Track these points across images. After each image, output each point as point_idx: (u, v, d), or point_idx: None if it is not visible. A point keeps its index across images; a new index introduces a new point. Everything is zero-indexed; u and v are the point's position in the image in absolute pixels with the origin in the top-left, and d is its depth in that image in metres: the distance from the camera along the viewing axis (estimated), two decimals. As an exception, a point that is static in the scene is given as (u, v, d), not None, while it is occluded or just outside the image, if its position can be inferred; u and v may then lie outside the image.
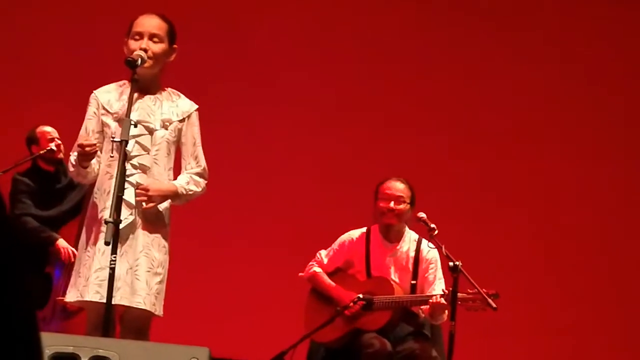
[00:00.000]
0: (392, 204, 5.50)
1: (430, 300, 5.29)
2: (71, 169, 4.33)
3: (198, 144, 4.39)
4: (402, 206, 5.53)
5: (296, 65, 7.68)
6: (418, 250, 5.56)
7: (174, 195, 4.29)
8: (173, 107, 4.35)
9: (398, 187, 5.55)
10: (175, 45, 4.37)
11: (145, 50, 4.23)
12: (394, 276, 5.54)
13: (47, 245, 5.99)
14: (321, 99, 7.67)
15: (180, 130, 4.35)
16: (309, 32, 7.72)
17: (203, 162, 4.39)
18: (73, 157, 4.28)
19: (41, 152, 6.16)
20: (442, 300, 5.23)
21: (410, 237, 5.61)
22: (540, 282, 7.46)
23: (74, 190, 6.19)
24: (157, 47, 4.28)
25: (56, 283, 6.05)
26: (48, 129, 6.22)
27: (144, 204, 4.17)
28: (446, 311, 5.30)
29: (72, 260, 5.80)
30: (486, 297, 5.17)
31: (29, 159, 6.20)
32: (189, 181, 4.33)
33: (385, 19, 7.75)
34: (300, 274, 5.70)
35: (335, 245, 5.67)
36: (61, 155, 6.14)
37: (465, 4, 7.81)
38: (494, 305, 5.16)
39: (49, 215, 6.12)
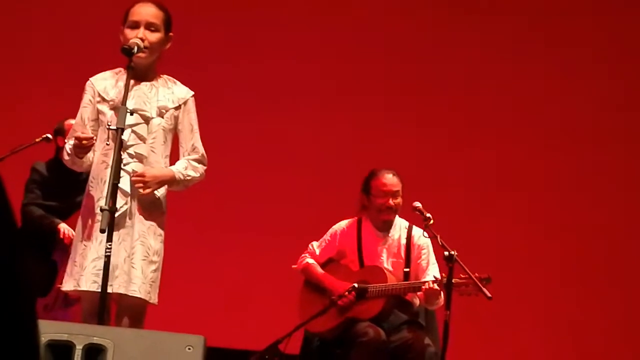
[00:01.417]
0: (391, 201, 5.51)
1: (424, 287, 5.30)
2: (66, 157, 4.33)
3: (195, 130, 4.38)
4: (398, 200, 5.55)
5: (293, 56, 7.67)
6: (409, 237, 5.58)
7: (171, 181, 4.28)
8: (169, 94, 4.34)
9: (393, 181, 5.55)
10: (171, 34, 4.36)
11: (142, 40, 4.23)
12: (386, 264, 5.55)
13: (51, 232, 5.98)
14: (316, 93, 7.67)
15: (176, 118, 4.34)
16: (307, 23, 7.71)
17: (201, 149, 4.38)
18: (68, 145, 4.29)
19: (37, 140, 6.14)
20: (435, 286, 5.24)
21: (400, 225, 5.63)
22: (535, 270, 7.47)
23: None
24: (154, 37, 4.28)
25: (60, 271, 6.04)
26: None
27: (140, 190, 4.17)
28: (441, 296, 5.31)
29: (69, 242, 5.80)
30: (481, 286, 5.18)
31: (24, 147, 6.17)
32: (187, 166, 4.32)
33: (385, 11, 7.74)
34: (293, 266, 5.70)
35: (326, 236, 5.67)
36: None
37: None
38: (489, 294, 5.16)
39: (57, 206, 6.10)
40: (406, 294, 5.50)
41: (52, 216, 6.00)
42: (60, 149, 6.12)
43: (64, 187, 6.06)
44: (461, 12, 7.74)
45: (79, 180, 6.01)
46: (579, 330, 7.43)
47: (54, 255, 6.00)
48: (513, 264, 7.39)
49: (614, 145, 7.65)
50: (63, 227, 5.93)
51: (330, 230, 5.68)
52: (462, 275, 5.24)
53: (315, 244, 5.68)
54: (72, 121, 6.07)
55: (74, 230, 5.88)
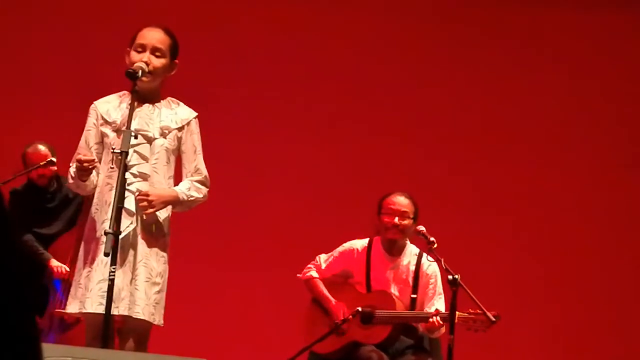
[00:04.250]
0: (396, 220, 5.50)
1: (430, 319, 5.30)
2: (70, 181, 4.33)
3: (199, 152, 4.38)
4: (406, 221, 5.52)
5: (294, 76, 7.69)
6: (418, 264, 5.56)
7: (175, 201, 4.27)
8: (172, 114, 4.34)
9: (402, 202, 5.54)
10: (176, 61, 4.37)
11: (147, 64, 4.24)
12: (393, 289, 5.53)
13: (44, 265, 6.08)
14: (320, 111, 7.68)
15: (179, 139, 4.34)
16: (307, 43, 7.73)
17: (204, 171, 4.37)
18: (72, 169, 4.29)
19: (41, 163, 6.16)
20: (439, 320, 5.23)
21: (411, 251, 5.61)
22: (540, 296, 7.46)
23: (68, 207, 6.25)
24: (159, 62, 4.29)
25: (55, 295, 6.07)
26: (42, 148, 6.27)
27: (145, 209, 4.17)
28: (443, 328, 5.31)
29: (66, 277, 5.91)
30: (484, 309, 5.17)
31: (28, 171, 6.20)
32: (190, 187, 4.32)
33: (385, 32, 7.76)
34: (297, 275, 5.70)
35: (335, 252, 5.67)
36: (54, 168, 6.20)
37: (464, 17, 7.82)
38: (493, 318, 5.16)
39: (47, 232, 6.16)
40: (412, 322, 5.50)
41: (41, 248, 6.10)
42: (29, 174, 6.20)
43: (44, 212, 6.15)
44: (460, 27, 7.75)
45: (53, 206, 6.12)
46: (585, 354, 7.41)
47: (46, 280, 6.06)
48: (518, 288, 7.37)
49: (615, 170, 7.64)
50: (54, 264, 6.03)
51: (341, 247, 5.67)
52: (470, 310, 5.23)
53: (323, 256, 5.67)
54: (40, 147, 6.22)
55: (63, 257, 6.00)
